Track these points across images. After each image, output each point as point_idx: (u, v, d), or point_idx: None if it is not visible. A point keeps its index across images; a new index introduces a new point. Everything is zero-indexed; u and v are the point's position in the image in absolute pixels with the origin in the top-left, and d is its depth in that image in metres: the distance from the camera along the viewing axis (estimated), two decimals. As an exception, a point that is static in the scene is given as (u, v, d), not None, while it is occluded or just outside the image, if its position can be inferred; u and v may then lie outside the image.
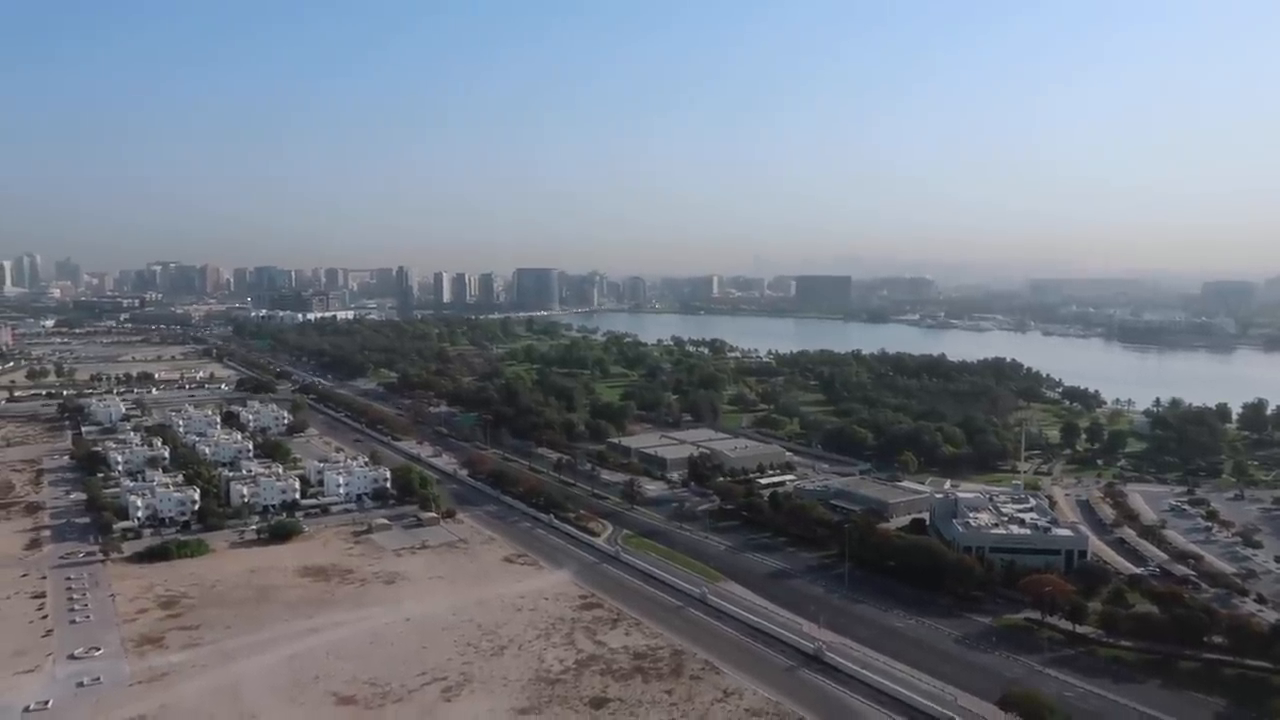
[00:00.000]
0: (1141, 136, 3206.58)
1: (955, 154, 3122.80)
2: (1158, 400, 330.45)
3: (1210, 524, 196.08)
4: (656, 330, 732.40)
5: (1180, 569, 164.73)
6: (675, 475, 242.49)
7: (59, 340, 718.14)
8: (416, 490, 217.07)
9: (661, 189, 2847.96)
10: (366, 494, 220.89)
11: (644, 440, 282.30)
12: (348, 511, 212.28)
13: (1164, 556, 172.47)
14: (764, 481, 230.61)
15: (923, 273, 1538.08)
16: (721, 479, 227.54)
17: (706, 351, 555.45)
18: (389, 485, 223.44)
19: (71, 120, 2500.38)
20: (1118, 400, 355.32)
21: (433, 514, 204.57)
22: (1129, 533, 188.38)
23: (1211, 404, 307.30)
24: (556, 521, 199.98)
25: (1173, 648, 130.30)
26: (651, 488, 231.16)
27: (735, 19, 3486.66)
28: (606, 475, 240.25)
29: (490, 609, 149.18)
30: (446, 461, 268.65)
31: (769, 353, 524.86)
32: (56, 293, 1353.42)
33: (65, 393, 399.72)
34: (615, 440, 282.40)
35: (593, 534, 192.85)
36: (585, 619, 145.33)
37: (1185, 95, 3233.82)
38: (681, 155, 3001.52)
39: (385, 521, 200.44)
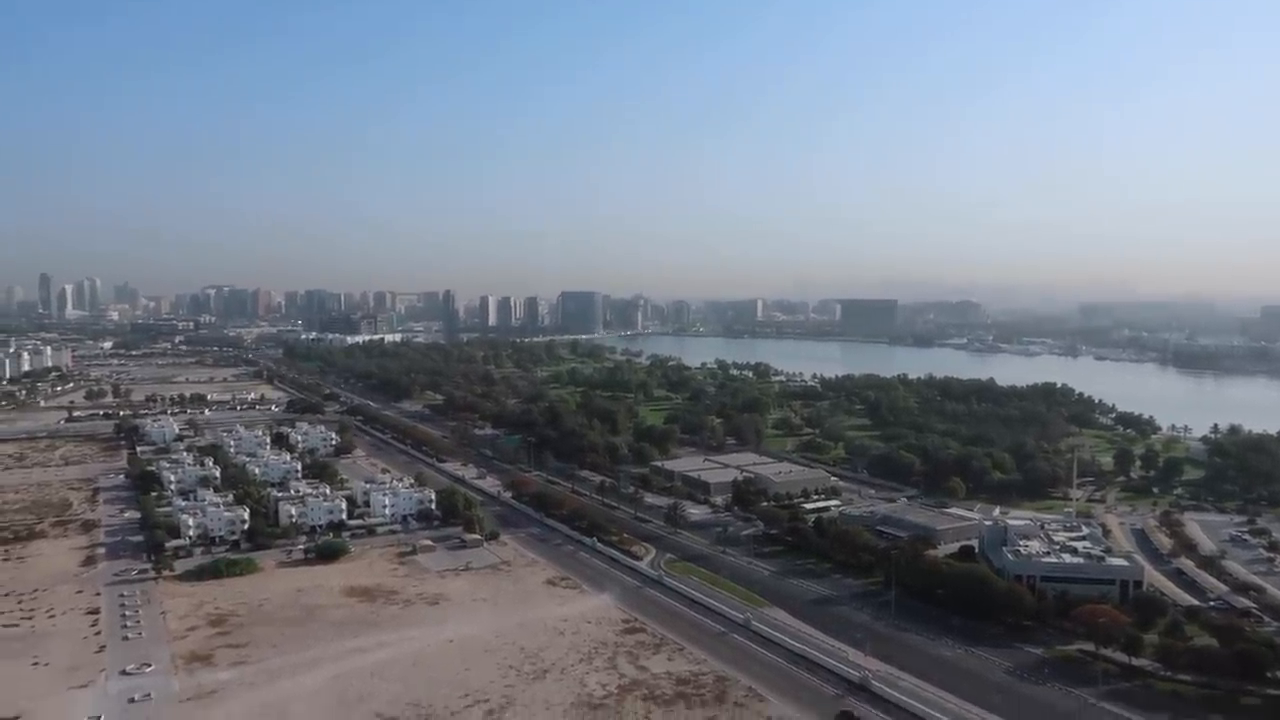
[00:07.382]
0: (1197, 155, 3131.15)
1: (1002, 175, 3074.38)
2: (1215, 427, 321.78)
3: (1273, 555, 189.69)
4: (700, 353, 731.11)
5: (1242, 601, 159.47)
6: (719, 499, 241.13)
7: (116, 362, 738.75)
8: (460, 512, 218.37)
9: (705, 212, 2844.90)
10: (412, 515, 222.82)
11: (687, 464, 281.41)
12: (393, 532, 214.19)
13: (1224, 588, 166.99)
14: (809, 506, 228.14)
15: (969, 296, 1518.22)
16: (766, 503, 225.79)
17: (750, 375, 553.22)
18: (434, 507, 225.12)
19: (132, 147, 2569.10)
20: (1173, 426, 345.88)
21: (476, 536, 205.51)
22: (1187, 563, 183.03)
23: (1273, 431, 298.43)
24: (599, 545, 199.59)
25: (1234, 683, 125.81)
26: (695, 511, 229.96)
27: (784, 43, 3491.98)
28: (650, 499, 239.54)
29: (532, 632, 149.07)
30: (490, 483, 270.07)
31: (814, 376, 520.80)
32: (115, 315, 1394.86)
33: (122, 413, 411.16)
34: (658, 463, 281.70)
35: (636, 558, 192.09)
36: (628, 643, 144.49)
37: (1242, 109, 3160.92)
38: (726, 178, 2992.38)
39: (430, 543, 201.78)
